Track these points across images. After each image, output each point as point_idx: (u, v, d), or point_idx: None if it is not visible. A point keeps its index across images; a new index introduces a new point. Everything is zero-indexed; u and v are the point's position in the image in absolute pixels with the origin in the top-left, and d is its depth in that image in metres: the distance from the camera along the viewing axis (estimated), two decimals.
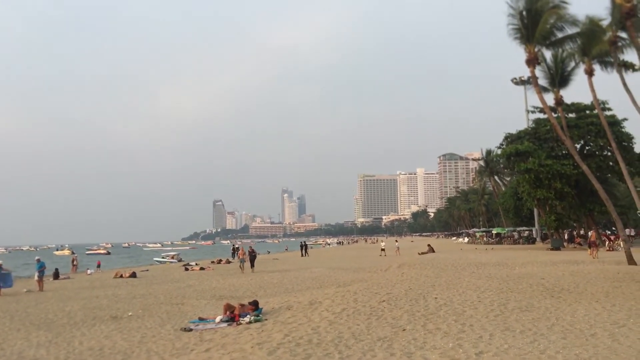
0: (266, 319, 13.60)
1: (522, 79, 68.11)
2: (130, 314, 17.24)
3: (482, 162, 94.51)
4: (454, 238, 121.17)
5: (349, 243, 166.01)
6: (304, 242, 67.88)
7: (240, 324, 13.66)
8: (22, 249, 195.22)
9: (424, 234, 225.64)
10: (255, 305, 15.11)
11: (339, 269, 34.67)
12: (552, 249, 44.91)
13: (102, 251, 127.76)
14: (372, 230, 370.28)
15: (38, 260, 28.45)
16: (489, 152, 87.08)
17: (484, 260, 32.19)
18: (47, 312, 18.28)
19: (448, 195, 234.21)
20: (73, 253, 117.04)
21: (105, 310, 18.38)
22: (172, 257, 72.48)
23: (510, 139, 55.35)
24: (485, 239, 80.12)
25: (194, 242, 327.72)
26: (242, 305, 15.13)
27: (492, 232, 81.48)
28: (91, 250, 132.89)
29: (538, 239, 66.45)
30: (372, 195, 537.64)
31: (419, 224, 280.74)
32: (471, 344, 8.50)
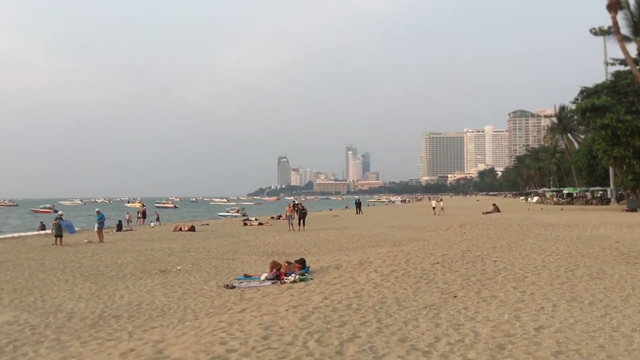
0: (312, 278, 12.93)
1: (602, 28, 63.40)
2: (178, 268, 17.04)
3: (554, 119, 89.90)
4: (522, 198, 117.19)
5: (409, 201, 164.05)
6: (359, 199, 67.00)
7: (285, 282, 13.06)
8: (96, 201, 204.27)
9: (490, 193, 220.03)
10: (302, 263, 14.47)
11: (399, 227, 33.76)
12: (628, 210, 42.13)
13: (169, 205, 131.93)
14: (437, 188, 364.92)
15: (98, 212, 28.97)
16: (562, 108, 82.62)
17: (552, 221, 30.36)
18: (100, 263, 18.38)
19: (517, 154, 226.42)
20: (143, 205, 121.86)
21: (156, 263, 18.30)
22: (236, 212, 73.47)
23: (586, 93, 51.88)
24: (555, 199, 76.73)
25: (259, 197, 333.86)
26: (289, 263, 14.52)
27: (563, 191, 77.91)
28: (160, 203, 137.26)
29: (613, 200, 62.89)
30: (437, 153, 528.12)
31: (486, 183, 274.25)
32: (530, 316, 7.43)
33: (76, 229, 43.73)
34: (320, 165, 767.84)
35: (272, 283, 13.26)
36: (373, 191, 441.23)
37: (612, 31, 53.05)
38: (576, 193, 72.54)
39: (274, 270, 14.45)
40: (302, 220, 33.50)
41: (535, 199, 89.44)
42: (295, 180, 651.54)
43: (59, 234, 26.38)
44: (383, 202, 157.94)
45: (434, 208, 54.76)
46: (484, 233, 22.13)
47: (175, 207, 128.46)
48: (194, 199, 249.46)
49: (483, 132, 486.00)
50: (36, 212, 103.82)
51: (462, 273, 11.35)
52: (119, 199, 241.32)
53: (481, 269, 11.78)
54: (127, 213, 43.05)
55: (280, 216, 49.04)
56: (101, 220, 28.12)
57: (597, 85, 51.23)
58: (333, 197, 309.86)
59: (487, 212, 45.67)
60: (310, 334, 6.68)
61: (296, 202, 66.00)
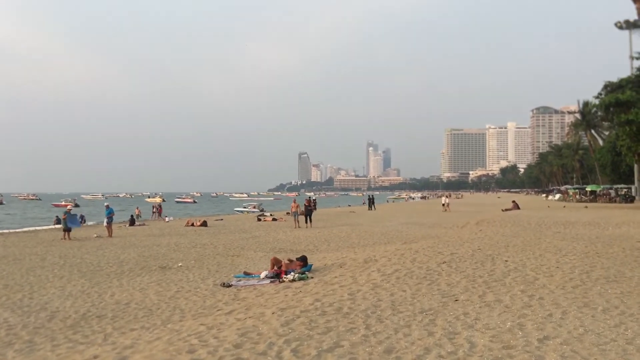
0: (312, 277, 12.35)
1: (628, 21, 61.63)
2: (180, 264, 16.57)
3: (578, 115, 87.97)
4: (544, 195, 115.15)
5: (429, 198, 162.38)
6: (372, 195, 66.05)
7: (283, 281, 12.49)
8: (118, 196, 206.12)
9: (512, 190, 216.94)
10: (303, 261, 13.88)
11: (414, 224, 32.99)
12: None
13: (189, 200, 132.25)
14: (458, 185, 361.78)
15: (107, 207, 28.70)
16: (586, 104, 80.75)
17: (573, 219, 29.35)
18: (101, 259, 17.99)
19: (540, 151, 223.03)
20: (164, 201, 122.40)
21: (159, 259, 17.87)
22: (254, 207, 73.06)
23: (610, 88, 50.35)
24: (578, 196, 74.99)
25: (279, 193, 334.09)
26: (290, 261, 13.95)
27: (586, 189, 76.12)
28: (180, 198, 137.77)
29: (638, 198, 61.19)
30: (459, 150, 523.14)
31: (508, 179, 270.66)
32: (536, 324, 6.72)
33: (89, 223, 43.96)
34: (340, 161, 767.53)
35: (271, 281, 12.70)
36: (394, 187, 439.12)
37: (638, 24, 51.57)
38: (599, 190, 70.81)
39: (275, 267, 13.89)
40: (308, 217, 32.31)
41: (557, 196, 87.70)
42: (315, 176, 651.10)
43: (67, 228, 26.17)
44: (403, 198, 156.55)
45: (443, 205, 53.83)
46: (499, 231, 21.31)
47: (195, 202, 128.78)
48: (215, 194, 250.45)
49: (506, 128, 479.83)
50: (57, 206, 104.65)
51: (468, 274, 10.63)
52: (140, 194, 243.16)
53: (490, 270, 11.05)
54: (137, 208, 42.76)
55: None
56: (110, 215, 27.84)
57: (621, 80, 49.67)
58: (353, 193, 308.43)
59: (506, 210, 44.61)
60: (288, 342, 6.07)
61: (313, 198, 65.66)
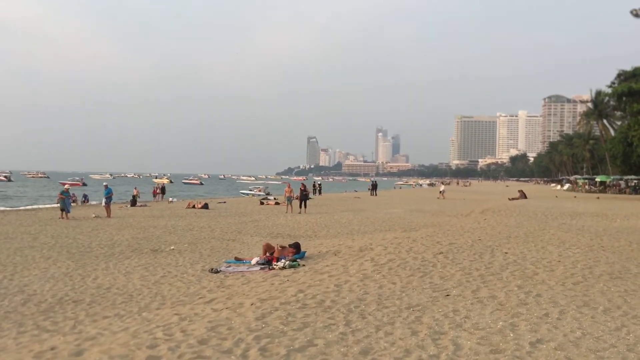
0: (304, 265, 11.90)
1: None
2: (172, 247, 16.18)
3: (590, 104, 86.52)
4: (553, 184, 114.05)
5: (434, 185, 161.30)
6: (375, 181, 65.47)
7: (273, 268, 12.05)
8: (126, 176, 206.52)
9: (521, 179, 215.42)
10: (296, 248, 13.39)
11: (418, 211, 32.48)
12: None
13: (195, 181, 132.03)
14: (467, 173, 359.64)
15: (106, 187, 28.33)
16: (598, 93, 79.18)
17: (580, 209, 28.70)
18: (94, 240, 17.63)
19: (551, 140, 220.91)
20: (171, 182, 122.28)
21: (152, 242, 17.49)
22: (260, 190, 72.63)
23: (623, 76, 49.27)
24: (587, 187, 74.03)
25: (287, 176, 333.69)
26: (283, 248, 13.47)
27: (596, 179, 75.10)
28: (187, 180, 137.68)
29: None
30: (469, 137, 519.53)
31: (517, 168, 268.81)
32: (530, 325, 6.20)
33: (93, 202, 43.74)
34: (349, 146, 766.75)
35: (261, 268, 12.25)
36: (402, 174, 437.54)
37: None
38: (609, 181, 69.80)
39: (267, 254, 13.44)
40: (303, 203, 31.10)
41: (567, 186, 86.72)
42: (324, 160, 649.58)
43: (63, 208, 25.85)
44: (410, 184, 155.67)
45: (440, 192, 53.42)
46: (503, 220, 20.73)
47: (202, 183, 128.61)
48: (222, 177, 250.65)
49: (517, 116, 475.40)
50: (64, 184, 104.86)
51: (464, 266, 10.12)
52: (148, 174, 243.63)
53: (487, 262, 10.53)
54: (135, 188, 42.39)
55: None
56: (109, 195, 27.47)
57: (635, 69, 48.61)
58: (361, 179, 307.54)
59: (513, 199, 43.94)
60: (258, 339, 5.60)
61: (318, 183, 65.03)
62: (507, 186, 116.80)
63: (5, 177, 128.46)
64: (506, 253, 11.75)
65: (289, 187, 33.04)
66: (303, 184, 34.56)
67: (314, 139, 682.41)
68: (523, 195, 45.04)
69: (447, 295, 7.73)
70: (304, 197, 31.64)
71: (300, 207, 30.76)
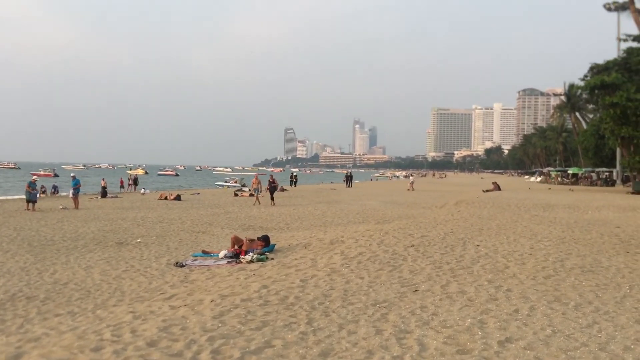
0: (272, 258, 11.58)
1: (617, 3, 60.78)
2: (139, 240, 15.70)
3: (563, 97, 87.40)
4: (527, 177, 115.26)
5: (407, 176, 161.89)
6: (350, 172, 65.46)
7: (241, 262, 11.69)
8: (100, 167, 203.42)
9: (495, 171, 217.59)
10: (265, 241, 13.06)
11: (393, 203, 32.32)
12: (633, 193, 40.40)
13: (171, 172, 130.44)
14: (443, 164, 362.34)
15: (73, 178, 27.61)
16: (571, 86, 79.92)
17: (552, 201, 28.82)
18: (57, 232, 17.05)
19: (525, 133, 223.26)
20: (146, 173, 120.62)
21: (119, 234, 16.98)
22: (235, 182, 71.89)
23: (596, 69, 49.66)
24: (560, 179, 74.87)
25: (264, 168, 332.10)
26: (251, 241, 13.11)
27: (568, 171, 75.96)
28: (162, 171, 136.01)
29: (618, 182, 60.99)
30: (445, 130, 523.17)
31: (492, 160, 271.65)
32: (499, 322, 5.95)
33: (62, 194, 42.71)
34: (326, 138, 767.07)
35: (229, 262, 11.90)
36: (379, 165, 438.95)
37: (627, 6, 50.73)
38: (581, 173, 70.65)
39: (235, 247, 13.09)
40: (271, 195, 30.69)
41: (539, 178, 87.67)
42: (301, 152, 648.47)
43: (30, 199, 25.11)
44: (387, 176, 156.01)
45: (411, 184, 53.34)
46: (476, 212, 20.64)
47: (177, 175, 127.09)
48: (199, 168, 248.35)
49: (492, 109, 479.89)
50: (36, 175, 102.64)
51: (435, 259, 9.88)
52: (123, 165, 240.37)
53: (459, 255, 10.31)
54: (103, 179, 41.59)
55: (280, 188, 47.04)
56: (76, 186, 26.77)
57: (607, 62, 48.98)
58: (338, 170, 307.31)
59: (487, 190, 44.10)
60: (212, 340, 5.25)
61: (294, 174, 64.65)
62: (482, 178, 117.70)
63: None
64: (478, 246, 11.57)
65: (256, 178, 32.56)
66: (271, 176, 34.03)
67: (291, 131, 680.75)
68: (497, 187, 45.24)
69: (416, 290, 7.47)
70: (272, 189, 31.21)
71: (272, 199, 30.26)
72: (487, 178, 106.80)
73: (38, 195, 27.08)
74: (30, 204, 24.88)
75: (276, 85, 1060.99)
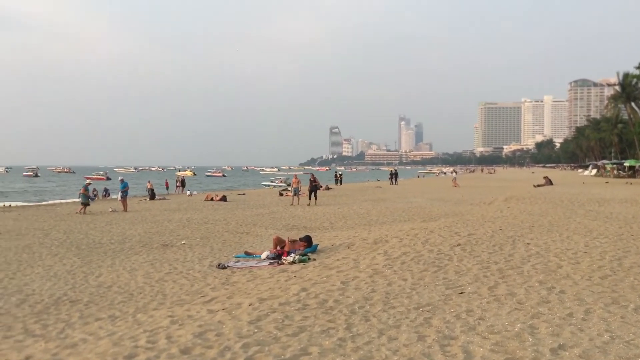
0: (314, 259, 11.39)
1: None
2: (183, 242, 15.79)
3: (617, 87, 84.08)
4: (581, 170, 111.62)
5: (453, 172, 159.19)
6: (395, 170, 64.62)
7: (282, 263, 11.54)
8: (151, 169, 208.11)
9: (547, 165, 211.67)
10: (307, 241, 12.89)
11: (439, 200, 31.71)
12: None
13: (219, 174, 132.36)
14: (492, 160, 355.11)
15: (121, 181, 28.15)
16: (626, 75, 76.86)
17: (608, 195, 27.68)
18: (105, 235, 17.33)
19: (577, 125, 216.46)
20: (194, 174, 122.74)
21: (164, 236, 17.15)
22: (281, 182, 72.26)
23: None
24: (615, 172, 72.11)
25: (310, 167, 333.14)
26: (293, 242, 12.96)
27: (625, 164, 73.09)
28: (210, 172, 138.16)
29: None
30: (493, 124, 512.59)
31: (543, 154, 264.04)
32: (551, 327, 5.57)
33: (113, 196, 43.71)
34: (372, 135, 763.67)
35: (270, 263, 11.77)
36: (426, 162, 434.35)
37: None
38: (638, 166, 67.85)
39: (277, 247, 12.97)
40: (313, 194, 29.97)
41: (594, 171, 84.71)
42: (347, 150, 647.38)
43: (85, 202, 25.73)
44: (434, 173, 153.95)
45: (453, 180, 52.36)
46: (527, 209, 19.93)
47: (224, 175, 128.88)
48: (246, 168, 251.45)
49: (542, 102, 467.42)
50: (88, 179, 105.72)
51: (482, 259, 9.47)
52: (172, 167, 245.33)
53: (508, 255, 9.86)
54: (149, 182, 42.31)
55: (320, 186, 46.87)
56: (125, 189, 27.28)
57: None
58: (384, 168, 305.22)
59: (538, 185, 42.86)
60: (246, 348, 5.08)
61: (339, 173, 64.41)
62: (532, 173, 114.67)
63: (32, 172, 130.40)
64: (528, 244, 11.07)
65: (295, 178, 32.16)
66: (312, 175, 33.30)
67: (337, 129, 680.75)
68: (549, 182, 43.89)
69: (461, 292, 7.13)
70: (313, 189, 30.51)
71: (310, 198, 29.76)
72: (538, 172, 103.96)
73: (93, 198, 27.69)
74: (84, 207, 25.46)
75: (321, 85, 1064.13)
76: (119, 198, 27.34)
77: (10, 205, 34.86)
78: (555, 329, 5.49)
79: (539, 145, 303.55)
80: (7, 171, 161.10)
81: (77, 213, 25.30)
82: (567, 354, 4.82)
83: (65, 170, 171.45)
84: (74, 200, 40.64)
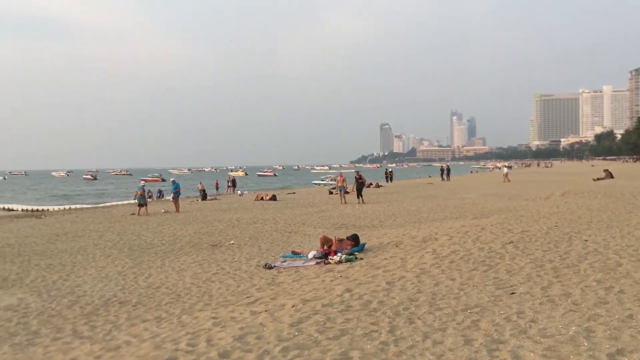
0: (361, 259, 11.22)
1: None
2: (232, 242, 15.92)
3: None
4: None
5: (511, 167, 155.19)
6: (447, 165, 63.36)
7: (329, 262, 11.42)
8: (204, 170, 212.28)
9: (608, 157, 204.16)
10: (354, 240, 12.73)
11: (493, 196, 30.97)
12: None
13: (269, 173, 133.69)
14: (549, 153, 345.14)
15: (173, 182, 28.65)
16: None
17: None
18: (157, 236, 17.65)
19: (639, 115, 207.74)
20: (246, 174, 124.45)
21: (214, 236, 17.33)
22: (332, 180, 72.18)
23: None
24: None
25: (361, 165, 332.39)
26: (340, 241, 12.84)
27: None
28: (261, 172, 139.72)
29: None
30: (549, 116, 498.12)
31: (603, 147, 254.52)
32: (609, 330, 5.21)
33: (168, 197, 44.69)
34: (423, 131, 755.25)
35: (317, 263, 11.67)
36: (479, 157, 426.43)
37: None
38: None
39: (324, 247, 12.86)
40: (359, 192, 29.27)
41: None
42: (398, 147, 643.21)
43: (142, 203, 26.32)
44: (488, 168, 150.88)
45: (505, 175, 50.74)
46: (585, 203, 19.13)
47: (275, 175, 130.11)
48: (297, 167, 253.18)
49: (601, 92, 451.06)
50: (145, 180, 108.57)
51: (536, 257, 9.07)
52: (225, 168, 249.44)
53: (563, 252, 9.41)
54: (200, 183, 43.01)
55: (370, 184, 46.60)
56: (176, 190, 27.76)
57: None
58: (436, 164, 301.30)
59: (598, 179, 41.21)
60: (285, 352, 4.96)
61: (389, 170, 63.86)
62: (592, 166, 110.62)
63: (91, 176, 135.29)
64: (586, 241, 10.54)
65: (340, 176, 31.42)
66: (357, 172, 32.30)
67: (387, 126, 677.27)
68: (609, 175, 42.16)
69: (512, 293, 6.80)
70: (359, 186, 29.72)
71: (358, 197, 29.16)
72: (598, 165, 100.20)
73: (148, 199, 28.37)
74: (142, 208, 26.05)
75: (371, 81, 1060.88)
76: (171, 199, 27.85)
77: (70, 208, 36.10)
78: (614, 332, 5.13)
79: (598, 137, 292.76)
80: (68, 175, 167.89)
81: (132, 214, 25.88)
82: (626, 359, 4.48)
83: (123, 172, 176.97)
84: (130, 201, 41.82)
